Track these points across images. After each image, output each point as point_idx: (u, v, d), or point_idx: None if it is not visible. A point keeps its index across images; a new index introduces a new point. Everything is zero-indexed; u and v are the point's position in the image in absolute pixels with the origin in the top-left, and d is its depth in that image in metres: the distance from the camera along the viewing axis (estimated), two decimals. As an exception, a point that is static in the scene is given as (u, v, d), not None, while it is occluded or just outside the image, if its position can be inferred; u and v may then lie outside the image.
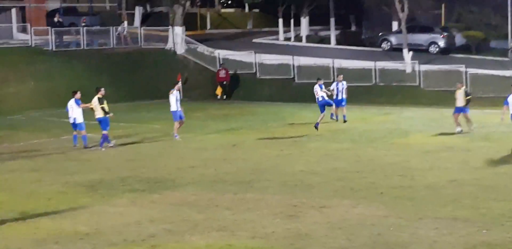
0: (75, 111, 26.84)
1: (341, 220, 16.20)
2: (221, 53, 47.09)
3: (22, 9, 52.20)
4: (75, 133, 27.14)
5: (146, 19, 58.16)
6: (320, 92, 30.03)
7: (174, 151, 26.22)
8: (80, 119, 26.85)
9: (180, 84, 29.39)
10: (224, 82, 44.81)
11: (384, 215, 16.52)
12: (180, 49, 48.34)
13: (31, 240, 15.21)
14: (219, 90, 44.68)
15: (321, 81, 30.64)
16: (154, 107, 39.56)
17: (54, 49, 46.20)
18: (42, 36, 47.36)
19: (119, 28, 49.90)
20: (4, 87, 40.53)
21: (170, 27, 48.91)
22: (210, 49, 47.94)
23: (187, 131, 30.66)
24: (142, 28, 50.93)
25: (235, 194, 19.17)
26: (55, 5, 54.75)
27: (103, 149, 26.46)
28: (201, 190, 19.76)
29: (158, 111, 37.07)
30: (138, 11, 57.55)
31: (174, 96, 28.36)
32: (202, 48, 48.35)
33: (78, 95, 27.07)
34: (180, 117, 28.50)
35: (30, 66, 43.27)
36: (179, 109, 28.37)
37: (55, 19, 48.28)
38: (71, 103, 26.94)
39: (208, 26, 62.50)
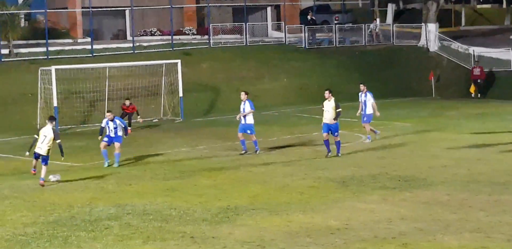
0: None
1: None
2: (476, 50, 45.66)
3: (277, 8, 53.53)
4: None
5: (398, 16, 57.64)
6: None
7: (426, 150, 25.71)
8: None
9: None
10: (479, 80, 43.40)
11: None
12: (433, 47, 47.45)
13: (284, 232, 15.45)
14: (473, 89, 43.35)
15: None
16: (406, 105, 39.15)
17: (306, 46, 47.03)
18: (296, 34, 48.36)
19: (371, 25, 49.85)
20: (259, 84, 41.72)
21: (423, 24, 48.16)
22: (464, 46, 46.65)
23: (439, 130, 30.07)
24: (394, 25, 50.56)
25: (489, 195, 18.48)
26: (309, 3, 55.62)
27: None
28: (454, 189, 19.22)
29: (410, 109, 36.68)
30: (390, 8, 57.21)
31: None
32: (456, 45, 47.16)
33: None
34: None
35: (283, 63, 44.27)
36: None
37: (308, 17, 49.07)
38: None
39: (463, 22, 60.89)
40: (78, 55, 40.19)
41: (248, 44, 46.21)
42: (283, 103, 40.11)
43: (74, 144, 29.44)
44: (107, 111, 24.95)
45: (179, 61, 36.68)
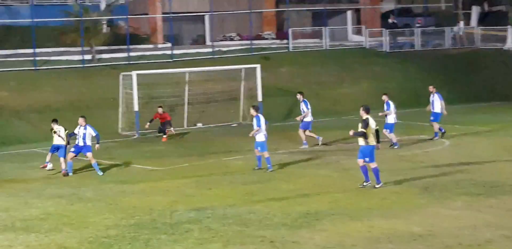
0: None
1: None
2: None
3: (357, 11, 53.15)
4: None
5: (483, 19, 56.59)
6: None
7: (508, 154, 25.04)
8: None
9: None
10: None
11: None
12: (520, 50, 46.52)
13: (365, 238, 15.20)
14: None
15: None
16: (491, 110, 38.35)
17: (388, 50, 46.53)
18: (376, 37, 47.89)
19: (455, 28, 49.06)
20: (339, 88, 41.42)
21: (509, 26, 47.18)
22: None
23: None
24: (479, 28, 49.65)
25: None
26: (390, 6, 55.10)
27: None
28: (542, 196, 18.67)
29: (495, 114, 35.93)
30: (475, 11, 56.20)
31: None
32: (544, 48, 46.16)
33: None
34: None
35: (364, 67, 43.85)
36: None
37: (390, 21, 48.57)
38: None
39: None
40: (158, 61, 40.56)
41: (327, 48, 45.94)
42: (364, 108, 39.61)
43: (154, 148, 29.69)
44: (81, 117, 24.61)
45: (258, 65, 36.64)
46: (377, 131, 20.31)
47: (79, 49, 39.74)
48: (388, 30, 46.92)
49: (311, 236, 15.47)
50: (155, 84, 35.85)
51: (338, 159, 25.46)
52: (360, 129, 20.01)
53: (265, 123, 24.16)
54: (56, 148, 24.80)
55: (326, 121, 36.38)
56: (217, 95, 37.09)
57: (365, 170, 20.17)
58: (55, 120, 25.21)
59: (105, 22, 43.77)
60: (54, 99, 35.62)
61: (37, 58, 38.44)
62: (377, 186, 20.08)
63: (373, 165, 20.07)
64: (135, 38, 43.70)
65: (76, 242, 15.60)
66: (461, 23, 50.88)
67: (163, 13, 45.27)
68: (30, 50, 38.70)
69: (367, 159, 20.05)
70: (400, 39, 48.30)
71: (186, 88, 36.35)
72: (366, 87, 42.30)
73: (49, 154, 24.94)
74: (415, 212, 17.37)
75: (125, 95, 34.83)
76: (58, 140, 24.75)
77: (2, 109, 34.41)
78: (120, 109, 34.80)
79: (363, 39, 47.75)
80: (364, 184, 20.22)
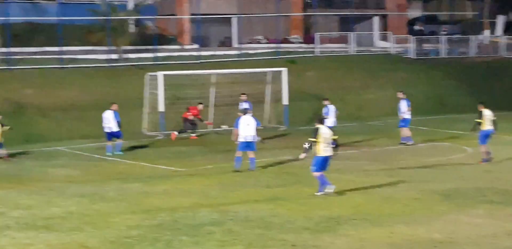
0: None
1: None
2: None
3: (384, 18, 53.13)
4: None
5: (508, 28, 56.42)
6: None
7: (535, 164, 25.01)
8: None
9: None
10: None
11: None
12: (545, 58, 46.31)
13: (386, 244, 15.24)
14: None
15: None
16: (514, 118, 38.19)
17: (413, 57, 46.50)
18: (402, 44, 47.90)
19: (480, 37, 48.97)
20: (364, 94, 41.42)
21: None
22: None
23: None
24: (504, 37, 49.50)
25: None
26: (416, 13, 55.08)
27: None
28: None
29: (517, 123, 35.74)
30: (500, 20, 56.05)
31: None
32: None
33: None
34: None
35: (389, 74, 43.84)
36: None
37: (416, 28, 48.60)
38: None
39: None
40: (185, 62, 40.73)
41: (354, 53, 45.98)
42: (389, 113, 39.62)
43: (178, 149, 29.83)
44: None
45: (284, 69, 36.73)
46: (334, 140, 20.19)
47: (106, 48, 40.01)
48: (414, 37, 46.90)
49: (333, 240, 15.52)
50: (181, 85, 36.01)
51: (361, 164, 25.50)
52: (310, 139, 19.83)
53: (258, 125, 24.67)
54: None
55: (350, 126, 36.39)
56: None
57: (323, 178, 20.02)
58: None
59: (132, 22, 44.06)
60: (79, 98, 35.90)
61: (63, 56, 38.76)
62: (317, 193, 19.92)
63: (316, 174, 19.97)
64: (162, 39, 43.95)
65: (97, 242, 15.68)
66: (487, 32, 50.76)
67: (191, 15, 45.48)
68: (57, 48, 39.06)
69: (313, 168, 19.88)
70: (426, 46, 48.32)
71: (212, 90, 36.51)
72: (391, 93, 42.24)
73: None
74: (436, 219, 17.38)
75: (151, 96, 35.04)
76: None
77: (26, 107, 34.68)
78: (145, 110, 35.00)
79: (389, 45, 47.80)
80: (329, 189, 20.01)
